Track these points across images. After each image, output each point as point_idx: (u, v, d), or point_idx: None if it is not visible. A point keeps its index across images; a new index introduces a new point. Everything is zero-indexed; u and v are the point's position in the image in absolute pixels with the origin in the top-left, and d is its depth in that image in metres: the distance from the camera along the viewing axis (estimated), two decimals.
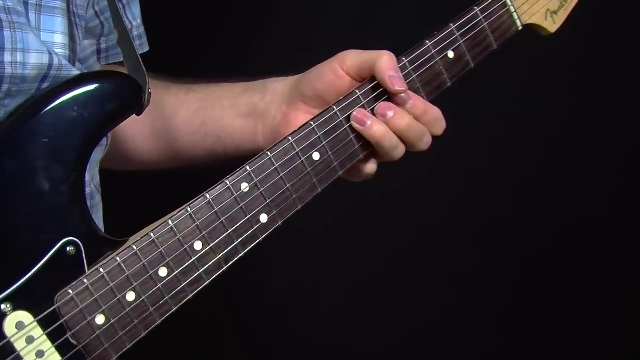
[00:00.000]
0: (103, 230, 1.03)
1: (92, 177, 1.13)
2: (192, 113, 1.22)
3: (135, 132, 1.27)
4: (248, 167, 1.02)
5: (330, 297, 2.28)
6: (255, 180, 1.02)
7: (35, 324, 0.90)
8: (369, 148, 1.10)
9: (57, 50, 1.01)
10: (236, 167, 1.03)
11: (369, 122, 1.08)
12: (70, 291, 0.91)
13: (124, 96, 0.97)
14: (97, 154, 1.13)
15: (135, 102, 0.99)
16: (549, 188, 2.26)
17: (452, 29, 1.16)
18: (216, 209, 0.99)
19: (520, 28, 1.23)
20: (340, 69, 1.11)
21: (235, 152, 1.20)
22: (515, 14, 1.22)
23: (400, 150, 1.10)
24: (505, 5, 1.21)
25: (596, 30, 2.07)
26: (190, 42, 2.05)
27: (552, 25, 1.28)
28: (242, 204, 1.01)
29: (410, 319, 2.28)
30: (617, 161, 2.26)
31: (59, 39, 1.02)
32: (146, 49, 1.33)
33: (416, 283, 2.25)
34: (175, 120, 1.23)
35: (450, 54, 1.16)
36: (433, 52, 1.14)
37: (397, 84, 1.08)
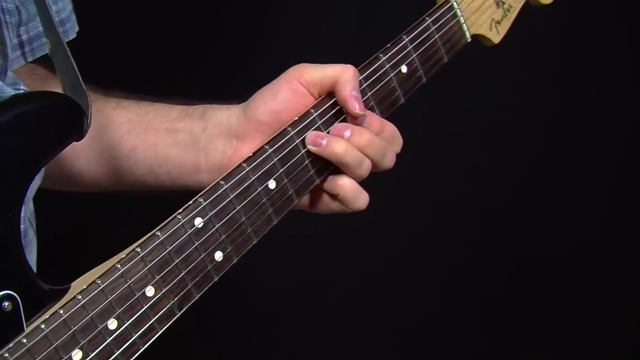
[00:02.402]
0: (36, 272, 0.88)
1: (25, 210, 0.96)
2: (122, 135, 1.06)
3: (79, 151, 1.08)
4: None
5: (324, 300, 2.22)
6: (210, 214, 0.91)
7: None
8: (325, 172, 1.01)
9: None
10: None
11: (324, 142, 0.98)
12: (7, 355, 0.78)
13: (65, 121, 0.83)
14: (34, 183, 0.96)
15: (76, 128, 0.85)
16: (544, 188, 2.24)
17: (406, 42, 1.08)
18: (169, 249, 0.87)
19: (469, 40, 1.17)
20: (299, 84, 1.01)
21: (172, 186, 1.06)
22: (464, 25, 1.15)
23: (366, 165, 1.01)
24: (455, 15, 1.14)
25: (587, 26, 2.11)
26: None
27: (495, 36, 1.22)
28: (196, 242, 0.89)
29: (405, 321, 2.24)
30: (614, 160, 2.24)
31: None
32: (72, 36, 1.08)
33: (411, 284, 2.20)
34: (102, 142, 1.07)
35: (404, 69, 1.08)
36: (387, 66, 1.06)
37: (359, 107, 1.00)
